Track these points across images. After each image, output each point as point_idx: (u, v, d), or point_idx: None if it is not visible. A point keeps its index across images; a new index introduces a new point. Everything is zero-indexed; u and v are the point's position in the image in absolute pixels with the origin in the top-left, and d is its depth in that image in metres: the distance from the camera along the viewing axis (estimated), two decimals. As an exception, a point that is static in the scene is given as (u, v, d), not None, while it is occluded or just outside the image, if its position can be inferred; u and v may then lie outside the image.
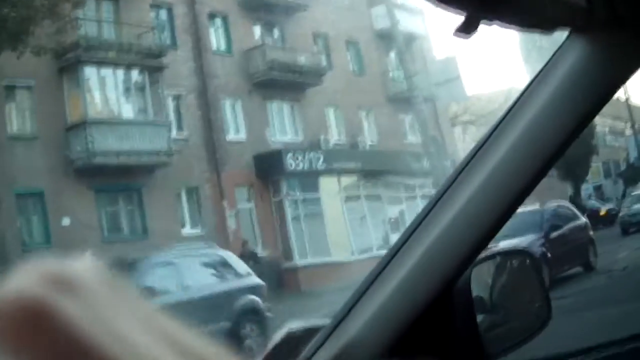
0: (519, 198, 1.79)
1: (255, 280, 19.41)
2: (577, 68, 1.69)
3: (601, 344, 2.05)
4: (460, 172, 1.81)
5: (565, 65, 1.70)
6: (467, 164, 1.81)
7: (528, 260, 2.21)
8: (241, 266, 19.72)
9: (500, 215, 1.80)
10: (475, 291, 1.95)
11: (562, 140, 1.74)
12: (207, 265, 19.09)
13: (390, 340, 1.83)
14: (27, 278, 0.41)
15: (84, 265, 0.44)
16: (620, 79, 1.76)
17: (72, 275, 0.43)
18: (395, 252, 1.85)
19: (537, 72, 1.76)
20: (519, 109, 1.75)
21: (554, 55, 1.73)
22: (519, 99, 1.76)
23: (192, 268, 18.40)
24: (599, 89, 1.73)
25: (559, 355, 2.03)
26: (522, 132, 1.73)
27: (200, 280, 18.39)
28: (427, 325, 1.87)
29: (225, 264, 19.23)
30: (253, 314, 18.38)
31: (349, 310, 1.86)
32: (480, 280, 2.00)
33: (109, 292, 0.44)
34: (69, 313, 0.40)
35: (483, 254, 1.93)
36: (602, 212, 42.42)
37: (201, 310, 15.90)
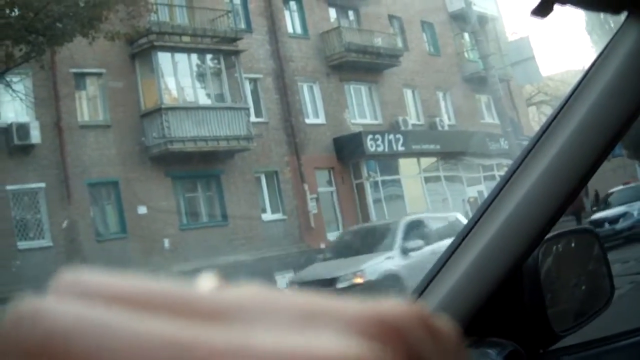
0: (586, 176, 1.82)
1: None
2: (637, 48, 1.71)
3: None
4: (529, 152, 1.84)
5: (625, 46, 1.72)
6: (535, 145, 1.83)
7: (594, 239, 2.25)
8: None
9: (567, 195, 1.82)
10: (543, 270, 1.98)
11: (626, 118, 1.76)
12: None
13: (463, 319, 1.87)
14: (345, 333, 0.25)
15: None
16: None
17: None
18: (466, 233, 1.88)
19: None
20: (582, 90, 1.78)
21: (614, 36, 1.75)
22: (581, 80, 1.79)
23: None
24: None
25: (620, 334, 2.04)
26: (587, 113, 1.76)
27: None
28: (498, 304, 1.90)
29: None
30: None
31: (423, 290, 1.90)
32: (548, 260, 2.03)
33: None
34: None
35: (550, 234, 1.95)
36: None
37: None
